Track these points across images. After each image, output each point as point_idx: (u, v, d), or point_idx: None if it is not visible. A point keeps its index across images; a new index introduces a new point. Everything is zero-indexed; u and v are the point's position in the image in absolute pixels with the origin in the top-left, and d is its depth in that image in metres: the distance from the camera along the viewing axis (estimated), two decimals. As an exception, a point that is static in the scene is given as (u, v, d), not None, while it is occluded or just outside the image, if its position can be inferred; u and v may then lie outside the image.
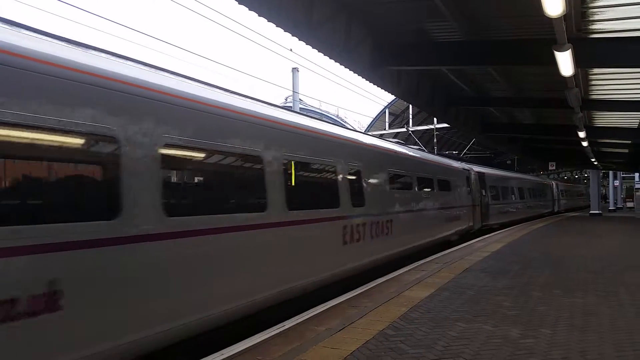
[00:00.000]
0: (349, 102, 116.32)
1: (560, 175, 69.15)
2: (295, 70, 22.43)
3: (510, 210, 25.44)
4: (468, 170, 18.27)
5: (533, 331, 5.34)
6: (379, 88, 12.99)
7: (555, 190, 40.83)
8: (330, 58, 10.16)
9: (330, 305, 6.54)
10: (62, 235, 3.66)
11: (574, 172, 71.97)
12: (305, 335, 5.15)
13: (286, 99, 34.60)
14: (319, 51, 9.76)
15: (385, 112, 35.49)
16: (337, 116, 41.99)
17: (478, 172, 19.85)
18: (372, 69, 11.44)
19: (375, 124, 36.34)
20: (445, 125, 26.71)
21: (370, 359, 4.46)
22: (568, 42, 8.34)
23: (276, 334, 5.23)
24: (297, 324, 5.62)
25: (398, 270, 9.35)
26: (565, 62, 9.24)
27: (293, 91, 22.71)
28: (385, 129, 34.34)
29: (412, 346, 4.83)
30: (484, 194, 20.15)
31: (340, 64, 10.59)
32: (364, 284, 7.98)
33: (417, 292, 7.37)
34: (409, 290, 7.52)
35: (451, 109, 17.90)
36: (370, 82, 12.12)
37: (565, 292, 7.36)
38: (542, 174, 58.51)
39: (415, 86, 14.44)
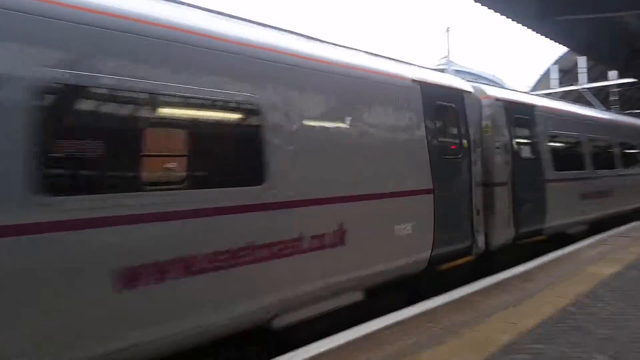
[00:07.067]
0: (505, 61, 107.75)
1: None
2: (448, 30, 21.48)
3: None
4: None
5: None
6: (549, 40, 11.72)
7: None
8: (490, 9, 9.35)
9: (500, 278, 6.27)
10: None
11: None
12: (477, 307, 5.03)
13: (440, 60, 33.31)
14: (475, 1, 9.04)
15: (551, 69, 32.08)
16: (494, 76, 39.42)
17: None
18: (540, 19, 10.30)
19: (540, 83, 33.18)
20: (628, 80, 23.23)
21: (554, 337, 4.19)
22: None
23: (446, 302, 5.20)
24: (467, 294, 5.51)
25: (575, 244, 8.58)
26: None
27: (447, 51, 21.84)
28: (550, 87, 31.11)
29: (598, 326, 4.42)
30: None
31: (502, 15, 9.72)
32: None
33: (599, 268, 6.69)
34: (590, 266, 6.86)
35: (636, 61, 15.46)
36: (538, 33, 10.95)
37: None
38: None
39: (592, 37, 12.70)
